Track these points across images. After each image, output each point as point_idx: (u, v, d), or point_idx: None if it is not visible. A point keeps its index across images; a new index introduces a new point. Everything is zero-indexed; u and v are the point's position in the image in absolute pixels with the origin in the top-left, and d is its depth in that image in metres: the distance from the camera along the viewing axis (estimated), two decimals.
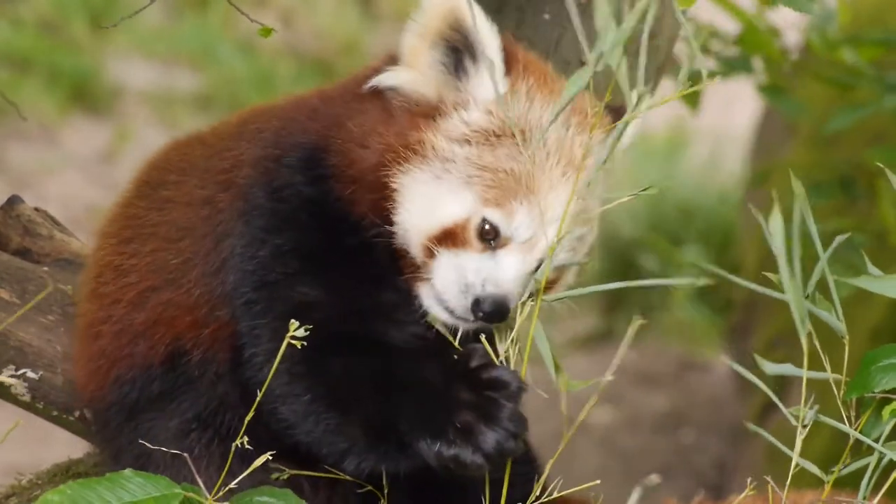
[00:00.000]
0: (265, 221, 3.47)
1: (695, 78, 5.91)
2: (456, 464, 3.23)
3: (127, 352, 3.63)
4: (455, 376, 3.28)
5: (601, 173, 3.43)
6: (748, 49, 5.93)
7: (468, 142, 3.39)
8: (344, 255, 3.43)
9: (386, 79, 3.45)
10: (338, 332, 3.32)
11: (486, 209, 3.36)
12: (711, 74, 5.96)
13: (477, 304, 3.33)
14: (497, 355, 3.33)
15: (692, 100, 6.00)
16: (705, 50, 6.00)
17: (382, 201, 3.39)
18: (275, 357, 3.35)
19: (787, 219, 3.37)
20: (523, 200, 3.36)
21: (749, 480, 3.40)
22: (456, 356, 3.32)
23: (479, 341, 3.35)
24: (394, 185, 3.38)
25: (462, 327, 3.39)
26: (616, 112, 3.51)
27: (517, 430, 3.25)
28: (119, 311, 3.65)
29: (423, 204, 3.38)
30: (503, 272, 3.36)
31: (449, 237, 3.37)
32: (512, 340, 3.34)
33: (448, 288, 3.37)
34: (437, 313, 3.39)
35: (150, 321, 3.60)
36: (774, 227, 3.32)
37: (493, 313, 3.33)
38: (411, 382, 3.30)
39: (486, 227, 3.36)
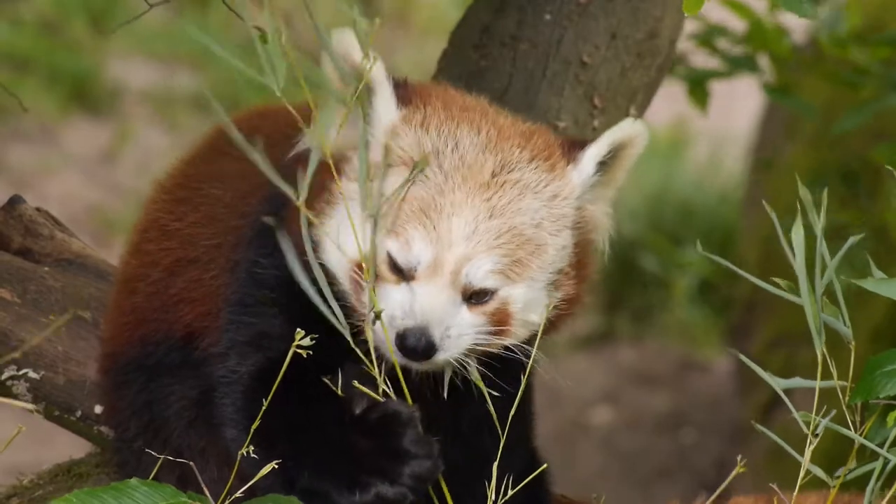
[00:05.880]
0: (258, 245, 3.48)
1: (702, 75, 5.92)
2: (382, 503, 3.25)
3: (156, 316, 3.62)
4: (347, 427, 3.28)
5: (540, 196, 3.37)
6: (755, 47, 5.90)
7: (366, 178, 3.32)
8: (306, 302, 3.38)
9: (302, 144, 3.39)
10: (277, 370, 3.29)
11: (388, 240, 3.30)
12: (716, 74, 5.97)
13: (401, 338, 3.28)
14: (376, 391, 3.30)
15: (700, 100, 5.97)
16: (712, 48, 5.98)
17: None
18: (232, 378, 3.42)
19: (785, 214, 3.37)
20: (419, 226, 3.29)
21: (739, 458, 3.39)
22: (337, 405, 3.31)
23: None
24: (315, 239, 3.35)
25: (413, 367, 3.32)
26: (574, 146, 3.45)
27: (427, 452, 3.25)
28: (155, 274, 3.65)
29: (335, 246, 3.34)
30: (417, 303, 3.28)
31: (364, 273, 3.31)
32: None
33: (373, 319, 3.30)
34: (385, 353, 3.32)
35: (180, 296, 3.60)
36: (796, 239, 3.31)
37: (416, 346, 3.26)
38: (319, 435, 3.31)
39: (390, 258, 3.31)
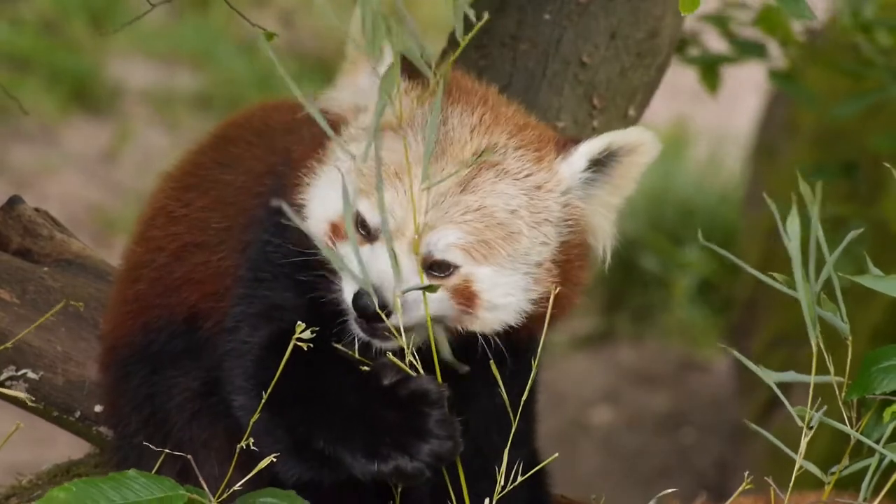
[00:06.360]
0: (269, 224, 3.49)
1: (710, 61, 5.91)
2: (397, 476, 3.25)
3: (159, 301, 3.63)
4: (372, 397, 3.27)
5: (520, 184, 3.37)
6: (766, 30, 5.88)
7: (356, 140, 3.36)
8: (315, 275, 3.41)
9: (322, 101, 3.42)
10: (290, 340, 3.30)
11: (360, 200, 3.33)
12: (725, 59, 5.97)
13: (356, 297, 3.28)
14: (404, 362, 3.29)
15: (711, 83, 5.96)
16: (723, 28, 5.96)
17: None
18: (243, 349, 3.41)
19: (786, 212, 3.36)
20: (390, 189, 3.29)
21: (746, 474, 3.40)
22: (366, 374, 3.30)
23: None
24: (302, 202, 3.39)
25: (376, 343, 3.34)
26: (569, 142, 3.45)
27: (449, 434, 3.25)
28: (161, 259, 3.66)
29: (316, 205, 3.38)
30: (375, 263, 3.29)
31: (337, 233, 3.34)
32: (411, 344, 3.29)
33: (343, 281, 3.33)
34: (350, 324, 3.35)
35: (184, 278, 3.61)
36: (791, 229, 3.30)
37: (368, 306, 3.25)
38: (338, 401, 3.30)
39: (360, 218, 3.34)
